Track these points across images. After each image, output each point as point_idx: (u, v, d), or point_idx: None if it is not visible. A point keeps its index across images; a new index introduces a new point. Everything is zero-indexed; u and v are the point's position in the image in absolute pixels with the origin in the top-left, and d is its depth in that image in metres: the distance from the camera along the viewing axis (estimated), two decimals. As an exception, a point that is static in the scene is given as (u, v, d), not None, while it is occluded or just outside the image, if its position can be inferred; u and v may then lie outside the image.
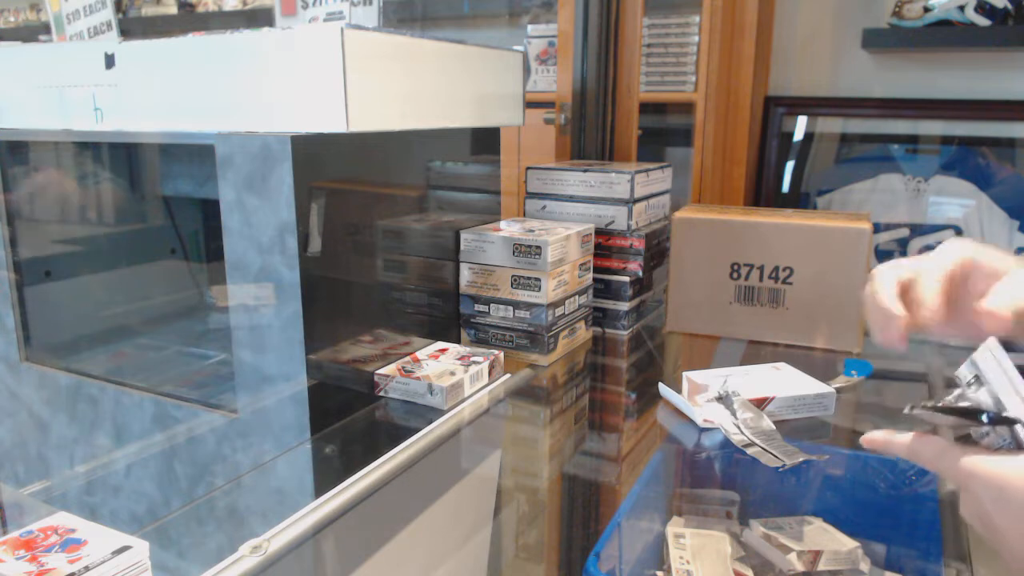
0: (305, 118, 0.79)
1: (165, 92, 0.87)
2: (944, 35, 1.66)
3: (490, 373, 0.96)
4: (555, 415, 0.96)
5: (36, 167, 1.18)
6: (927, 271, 0.56)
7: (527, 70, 1.11)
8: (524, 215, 1.23)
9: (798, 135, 1.92)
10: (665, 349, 1.17)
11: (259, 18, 2.74)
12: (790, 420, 0.85)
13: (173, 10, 2.93)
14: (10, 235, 1.13)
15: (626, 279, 1.16)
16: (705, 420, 0.83)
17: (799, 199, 1.91)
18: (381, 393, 0.92)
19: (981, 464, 0.48)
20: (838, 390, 0.88)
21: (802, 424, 0.85)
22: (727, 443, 0.78)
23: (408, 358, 0.97)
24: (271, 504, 0.85)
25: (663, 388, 0.91)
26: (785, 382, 0.89)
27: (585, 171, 1.17)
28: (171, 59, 0.86)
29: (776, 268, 1.09)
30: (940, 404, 0.53)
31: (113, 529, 0.55)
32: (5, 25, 3.31)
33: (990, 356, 0.52)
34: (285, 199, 0.80)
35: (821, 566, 0.64)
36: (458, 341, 1.09)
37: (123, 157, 1.27)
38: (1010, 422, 0.49)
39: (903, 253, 1.79)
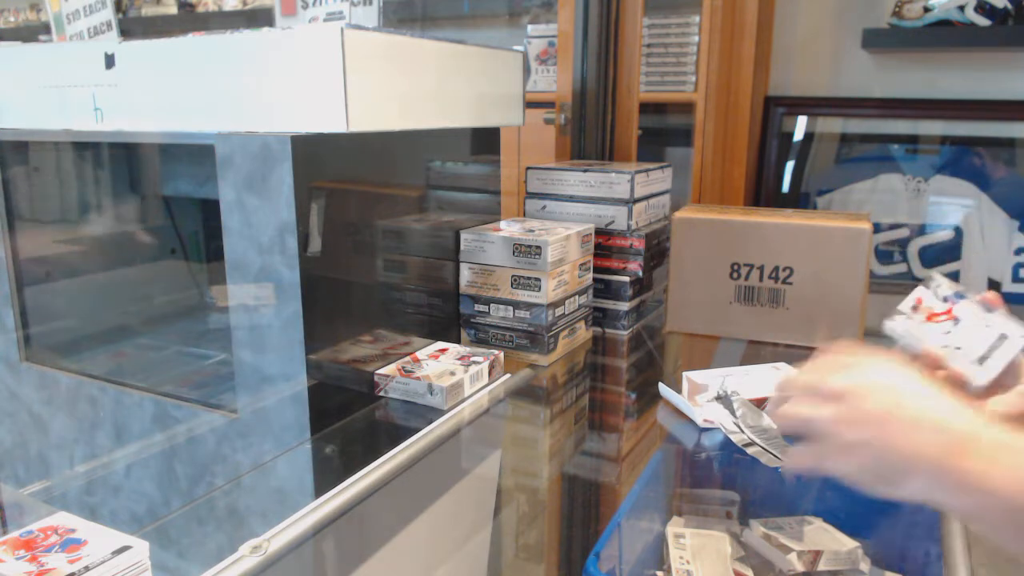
0: (305, 118, 0.79)
1: (165, 92, 0.87)
2: (944, 35, 1.66)
3: (490, 373, 0.96)
4: (555, 415, 0.96)
5: (36, 166, 1.18)
6: None
7: (527, 70, 1.11)
8: (524, 215, 1.23)
9: (798, 135, 1.92)
10: (665, 349, 1.17)
11: (259, 18, 2.74)
12: (790, 420, 0.85)
13: (173, 10, 2.93)
14: (10, 235, 1.13)
15: (626, 279, 1.16)
16: (705, 420, 0.83)
17: (799, 199, 1.91)
18: (381, 393, 0.92)
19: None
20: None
21: (802, 424, 0.85)
22: (727, 443, 0.78)
23: (408, 358, 0.97)
24: (271, 504, 0.85)
25: (663, 388, 0.91)
26: (785, 382, 0.89)
27: (585, 171, 1.17)
28: (171, 59, 0.86)
29: (776, 268, 1.09)
30: None
31: (113, 529, 0.55)
32: (5, 25, 3.31)
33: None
34: (285, 199, 0.80)
35: (821, 566, 0.64)
36: (458, 341, 1.09)
37: (123, 157, 1.27)
38: None
39: (903, 253, 1.79)
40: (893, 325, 0.76)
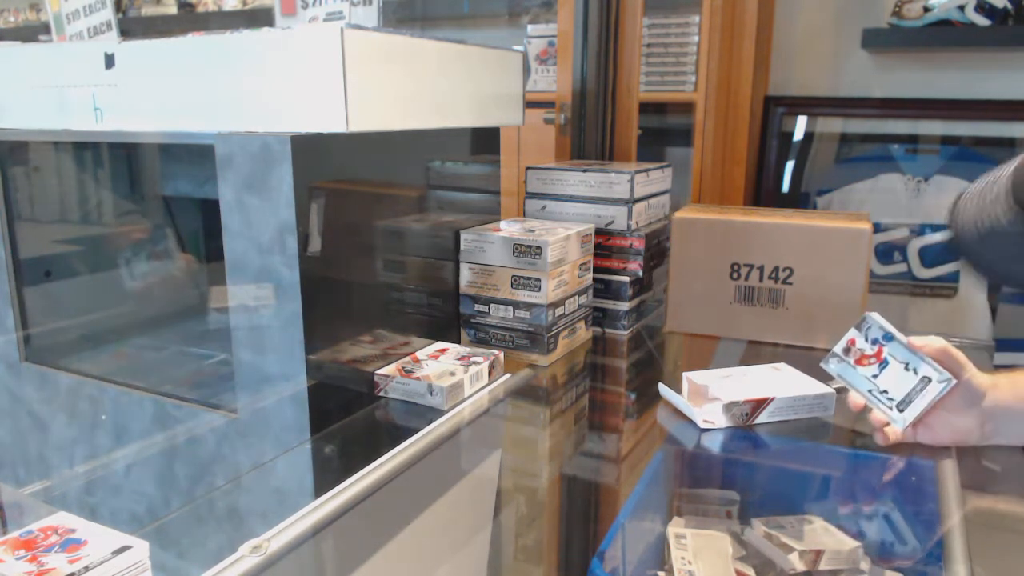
0: (305, 118, 0.79)
1: (165, 92, 0.87)
2: (944, 35, 1.66)
3: (490, 373, 0.96)
4: (555, 415, 0.96)
5: (36, 166, 1.18)
6: None
7: (527, 70, 1.11)
8: (524, 215, 1.23)
9: (798, 135, 1.92)
10: (665, 349, 1.17)
11: (259, 18, 2.74)
12: (790, 420, 0.85)
13: (173, 10, 2.92)
14: (10, 235, 1.13)
15: (626, 279, 1.16)
16: (705, 420, 0.83)
17: (799, 199, 1.91)
18: (381, 393, 0.92)
19: None
20: (838, 390, 0.88)
21: (802, 424, 0.85)
22: (727, 443, 0.78)
23: (408, 358, 0.97)
24: (271, 504, 0.85)
25: (663, 388, 0.91)
26: (785, 382, 0.89)
27: (585, 171, 1.17)
28: (171, 59, 0.86)
29: (776, 268, 1.09)
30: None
31: (113, 529, 0.55)
32: (5, 25, 3.31)
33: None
34: (285, 199, 0.80)
35: (822, 565, 0.64)
36: (458, 341, 1.09)
37: (123, 157, 1.27)
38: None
39: (903, 253, 1.79)
40: (828, 367, 0.81)
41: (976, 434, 0.75)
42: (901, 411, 0.75)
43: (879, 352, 0.77)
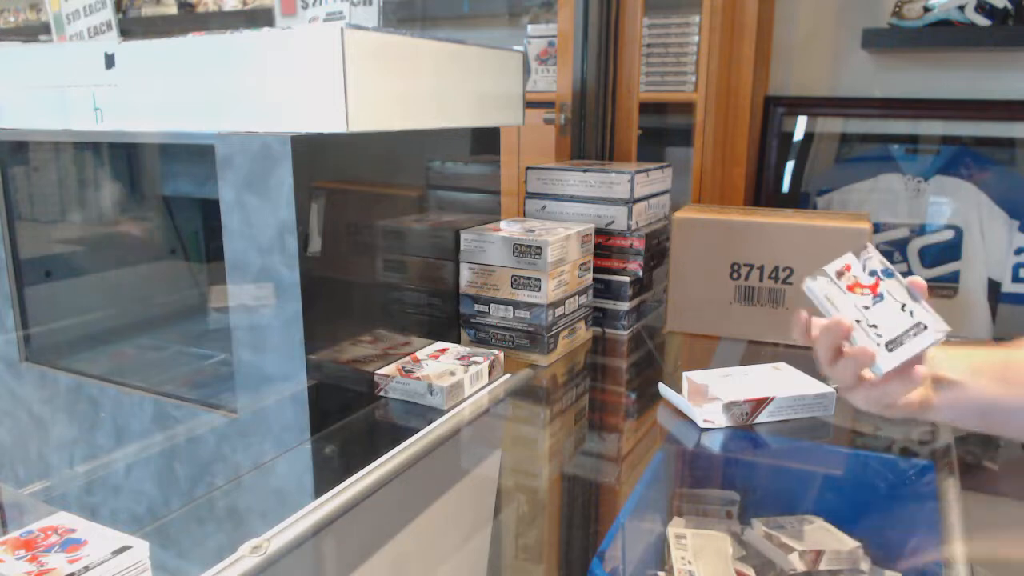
0: (305, 118, 0.79)
1: (165, 92, 0.87)
2: (944, 35, 1.66)
3: (490, 373, 0.96)
4: (555, 415, 0.96)
5: (36, 166, 1.18)
6: None
7: (527, 70, 1.11)
8: (524, 215, 1.23)
9: (798, 135, 1.92)
10: (665, 349, 1.17)
11: (259, 18, 2.74)
12: (790, 420, 0.85)
13: (173, 10, 2.93)
14: (10, 235, 1.13)
15: (626, 279, 1.16)
16: (705, 420, 0.83)
17: (799, 199, 1.91)
18: (381, 393, 0.92)
19: None
20: (838, 390, 0.88)
21: (802, 424, 0.85)
22: (727, 443, 0.78)
23: (408, 358, 0.97)
24: (271, 504, 0.85)
25: (663, 388, 0.91)
26: (785, 382, 0.89)
27: (585, 171, 1.17)
28: (171, 59, 0.86)
29: (776, 268, 1.09)
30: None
31: (113, 529, 0.55)
32: (5, 25, 3.31)
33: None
34: (285, 199, 0.80)
35: (822, 566, 0.64)
36: (458, 341, 1.09)
37: (123, 157, 1.27)
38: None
39: (903, 252, 1.79)
40: (813, 285, 0.72)
41: (920, 399, 0.69)
42: (890, 351, 0.68)
43: (875, 285, 0.70)
